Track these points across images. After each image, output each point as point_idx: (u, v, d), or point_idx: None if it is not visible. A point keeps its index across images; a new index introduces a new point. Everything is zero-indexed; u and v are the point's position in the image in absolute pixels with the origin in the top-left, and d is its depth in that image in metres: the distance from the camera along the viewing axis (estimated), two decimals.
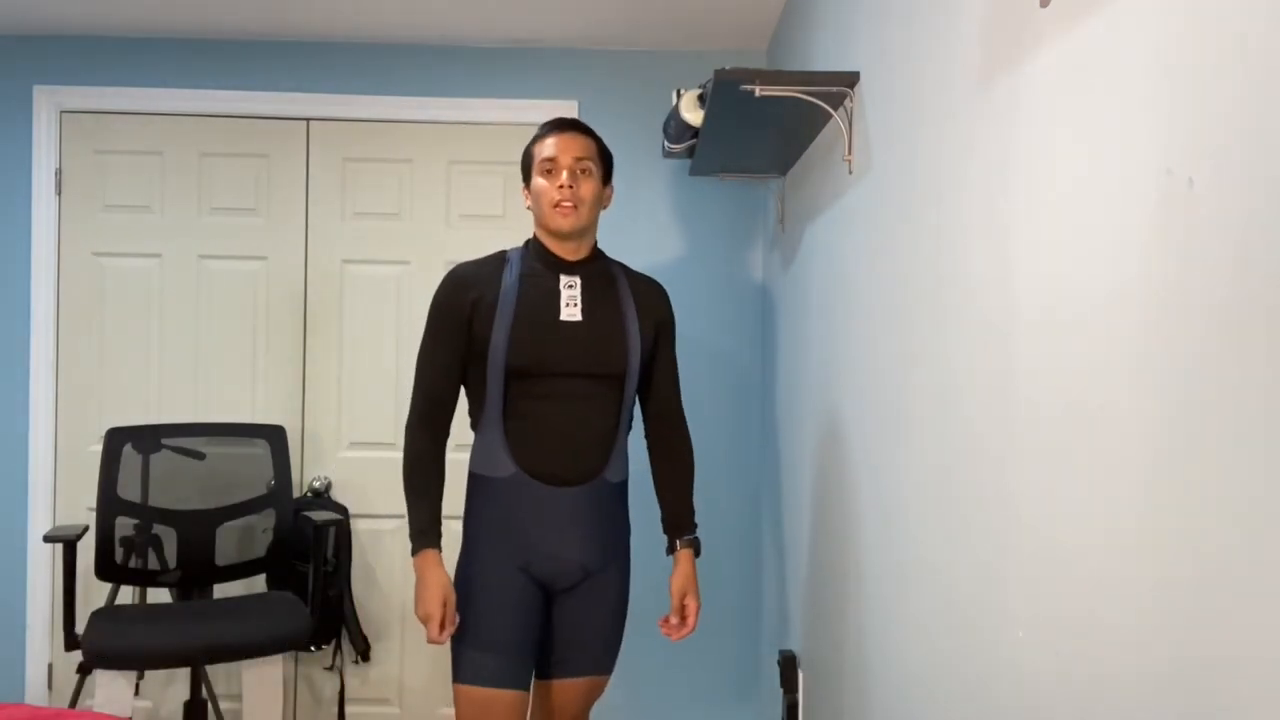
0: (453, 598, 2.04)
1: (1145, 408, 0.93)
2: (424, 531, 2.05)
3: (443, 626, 2.03)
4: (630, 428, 2.18)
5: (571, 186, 2.06)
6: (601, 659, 2.16)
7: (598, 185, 2.12)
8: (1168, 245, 0.89)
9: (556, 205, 2.06)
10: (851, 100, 2.08)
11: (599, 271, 2.15)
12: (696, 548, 2.23)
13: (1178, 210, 0.88)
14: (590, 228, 2.14)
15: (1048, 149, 1.14)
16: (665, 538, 2.26)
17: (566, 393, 2.05)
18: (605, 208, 2.18)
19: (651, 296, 2.20)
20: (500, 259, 2.15)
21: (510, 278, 2.09)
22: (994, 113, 1.30)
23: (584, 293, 2.10)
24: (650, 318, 2.18)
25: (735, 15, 3.04)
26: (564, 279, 2.10)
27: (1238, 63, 0.80)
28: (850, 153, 2.08)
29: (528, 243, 2.17)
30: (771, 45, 3.21)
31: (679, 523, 2.23)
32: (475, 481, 2.12)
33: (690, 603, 2.19)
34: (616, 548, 2.15)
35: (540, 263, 2.12)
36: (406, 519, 2.08)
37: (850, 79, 2.05)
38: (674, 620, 2.19)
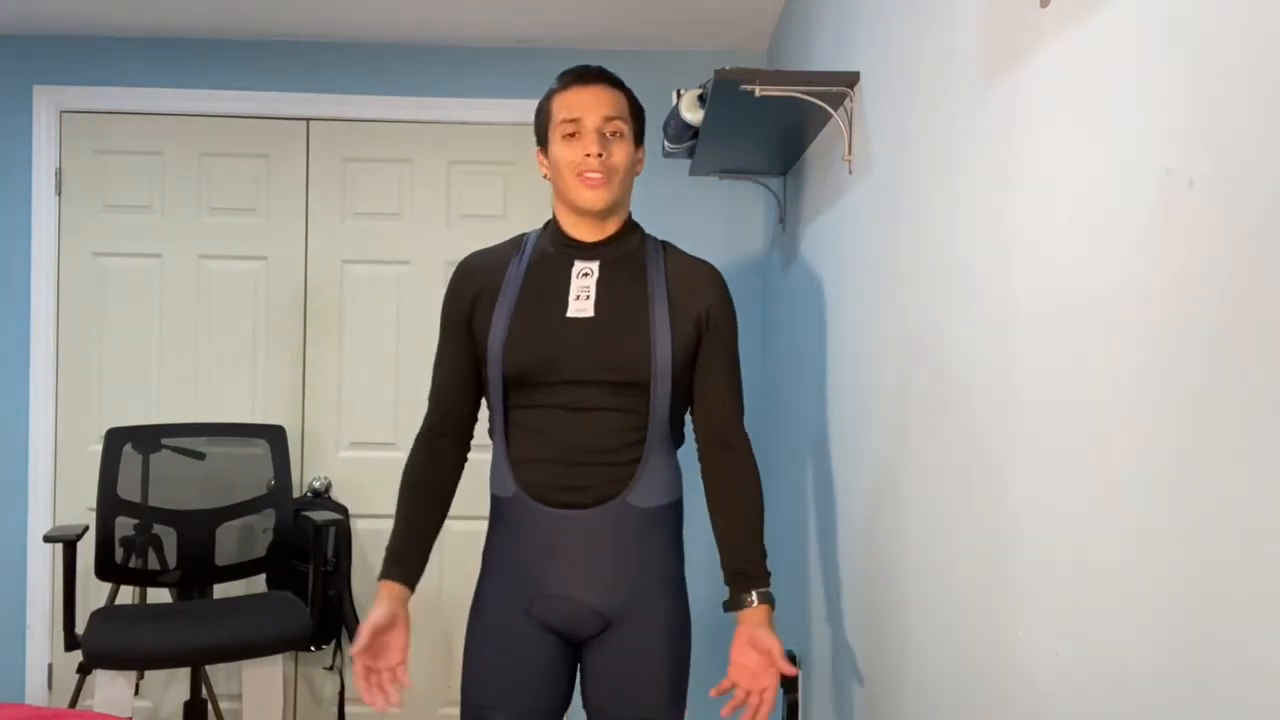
0: (382, 626, 1.66)
1: (1145, 406, 0.93)
2: (391, 559, 1.73)
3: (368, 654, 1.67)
4: (679, 441, 1.82)
5: (601, 154, 1.70)
6: None
7: (630, 149, 1.75)
8: (1168, 245, 0.89)
9: (582, 175, 1.70)
10: (851, 100, 2.08)
11: (625, 254, 1.78)
12: (769, 602, 1.74)
13: (1178, 210, 0.88)
14: (622, 201, 1.77)
15: (1048, 149, 1.14)
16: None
17: (576, 402, 1.70)
18: (638, 174, 1.81)
19: (694, 283, 1.80)
20: (517, 243, 1.83)
21: (517, 266, 1.77)
22: (994, 112, 1.30)
23: (601, 282, 1.74)
24: (689, 310, 1.77)
25: (735, 15, 3.04)
26: (578, 265, 1.75)
27: (1238, 62, 0.80)
28: (850, 153, 2.08)
29: (549, 222, 1.83)
30: (771, 45, 3.21)
31: (739, 568, 1.75)
32: (491, 502, 1.81)
33: (764, 679, 1.71)
34: (650, 587, 1.73)
35: (553, 246, 1.78)
36: None
37: (850, 79, 2.05)
38: (738, 706, 1.71)
